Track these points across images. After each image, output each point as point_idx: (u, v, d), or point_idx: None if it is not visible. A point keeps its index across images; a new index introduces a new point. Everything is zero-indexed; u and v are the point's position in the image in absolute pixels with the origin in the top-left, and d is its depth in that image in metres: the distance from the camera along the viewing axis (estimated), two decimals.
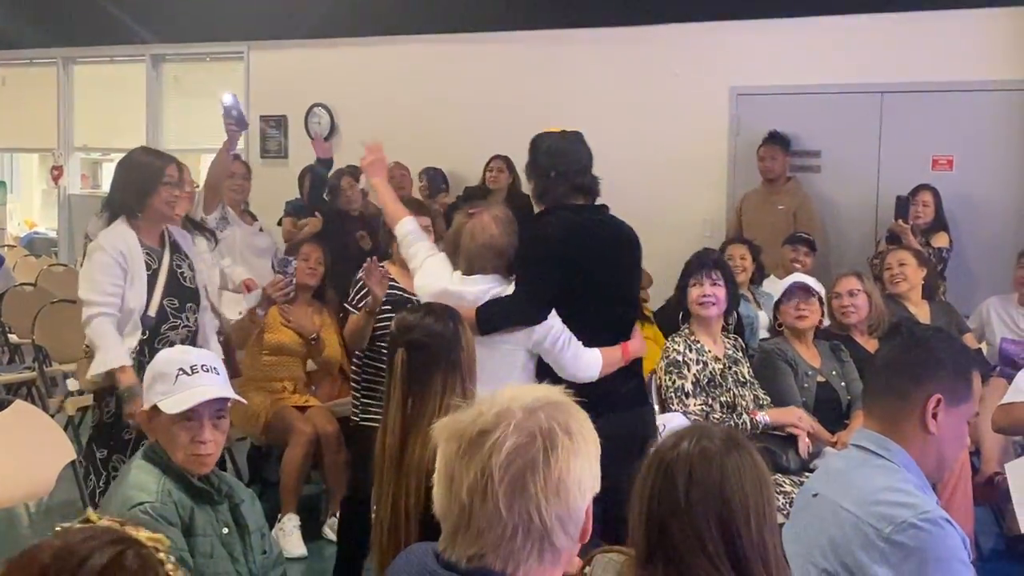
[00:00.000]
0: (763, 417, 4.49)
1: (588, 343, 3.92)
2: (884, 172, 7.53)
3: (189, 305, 4.52)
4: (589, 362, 3.93)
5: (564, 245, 3.95)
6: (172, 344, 4.36)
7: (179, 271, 4.53)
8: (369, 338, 4.55)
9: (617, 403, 3.86)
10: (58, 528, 1.53)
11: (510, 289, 3.90)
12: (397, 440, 2.94)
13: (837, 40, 7.59)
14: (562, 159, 4.06)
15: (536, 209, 4.16)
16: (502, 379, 3.38)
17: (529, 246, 3.96)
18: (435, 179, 8.42)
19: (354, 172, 7.04)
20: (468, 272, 3.92)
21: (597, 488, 1.65)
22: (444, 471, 1.62)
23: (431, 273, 4.06)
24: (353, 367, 4.74)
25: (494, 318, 3.84)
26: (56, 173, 11.16)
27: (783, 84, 7.76)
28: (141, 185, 4.43)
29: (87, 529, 1.53)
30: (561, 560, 1.63)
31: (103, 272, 4.33)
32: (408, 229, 4.31)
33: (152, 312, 4.40)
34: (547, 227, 3.99)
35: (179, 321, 4.47)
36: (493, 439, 1.57)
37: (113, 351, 4.26)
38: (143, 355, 4.31)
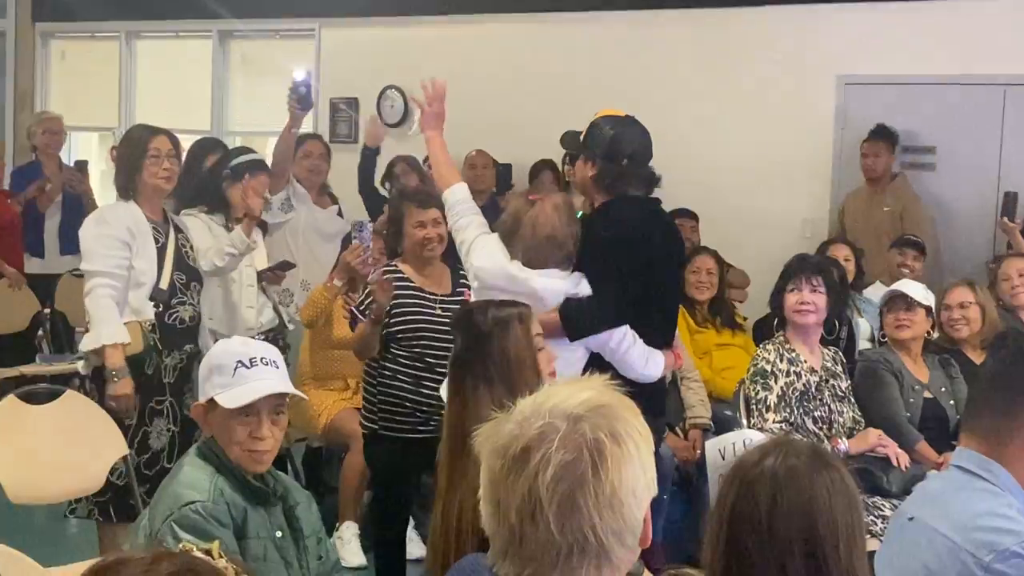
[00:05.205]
0: (843, 445, 4.44)
1: (645, 341, 3.96)
2: (1006, 171, 7.36)
3: (194, 284, 4.76)
4: (656, 362, 4.00)
5: (639, 240, 3.97)
6: (183, 321, 4.57)
7: (184, 248, 4.76)
8: (383, 342, 4.53)
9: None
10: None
11: (581, 285, 3.89)
12: (445, 446, 2.99)
13: (957, 26, 7.42)
14: (632, 145, 4.05)
15: (595, 197, 4.11)
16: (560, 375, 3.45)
17: (607, 242, 3.94)
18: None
19: (409, 161, 7.02)
20: (527, 265, 3.86)
21: (654, 491, 1.62)
22: (490, 490, 1.61)
23: (490, 255, 3.93)
24: (366, 370, 4.69)
25: (584, 324, 3.85)
26: (115, 153, 11.32)
27: (896, 74, 7.60)
28: (130, 162, 4.72)
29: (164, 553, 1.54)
30: (621, 569, 1.62)
31: (106, 244, 4.54)
32: (460, 197, 4.16)
33: (164, 285, 4.61)
34: (622, 221, 4.00)
35: (186, 297, 4.66)
36: (538, 457, 1.55)
37: (109, 327, 4.42)
38: (155, 332, 4.54)
